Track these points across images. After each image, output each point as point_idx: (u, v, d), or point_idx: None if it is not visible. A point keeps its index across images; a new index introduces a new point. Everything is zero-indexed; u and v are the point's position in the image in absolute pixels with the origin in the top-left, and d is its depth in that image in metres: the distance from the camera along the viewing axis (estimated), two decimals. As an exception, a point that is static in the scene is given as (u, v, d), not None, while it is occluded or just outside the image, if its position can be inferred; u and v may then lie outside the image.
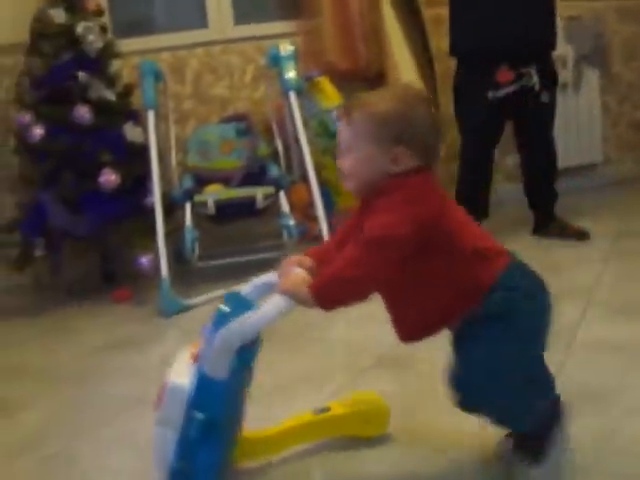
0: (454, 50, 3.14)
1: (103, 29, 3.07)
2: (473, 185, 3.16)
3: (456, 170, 3.24)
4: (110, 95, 2.99)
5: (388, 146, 1.25)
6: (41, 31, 3.02)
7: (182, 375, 1.28)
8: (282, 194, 2.98)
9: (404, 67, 3.52)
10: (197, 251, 2.84)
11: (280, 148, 3.21)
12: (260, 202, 2.94)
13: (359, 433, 1.58)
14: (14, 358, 2.46)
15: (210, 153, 3.26)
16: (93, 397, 2.06)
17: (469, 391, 1.27)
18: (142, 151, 3.01)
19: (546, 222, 3.20)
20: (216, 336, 1.25)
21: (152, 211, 2.95)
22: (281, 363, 2.10)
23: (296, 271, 1.29)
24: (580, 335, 2.06)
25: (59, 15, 2.98)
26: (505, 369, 1.25)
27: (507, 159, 3.79)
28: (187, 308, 2.73)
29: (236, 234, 3.41)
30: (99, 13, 3.11)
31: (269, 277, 1.44)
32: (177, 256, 2.93)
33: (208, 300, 2.78)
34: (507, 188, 3.76)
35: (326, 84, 3.31)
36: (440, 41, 3.40)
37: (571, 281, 2.54)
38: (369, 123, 1.26)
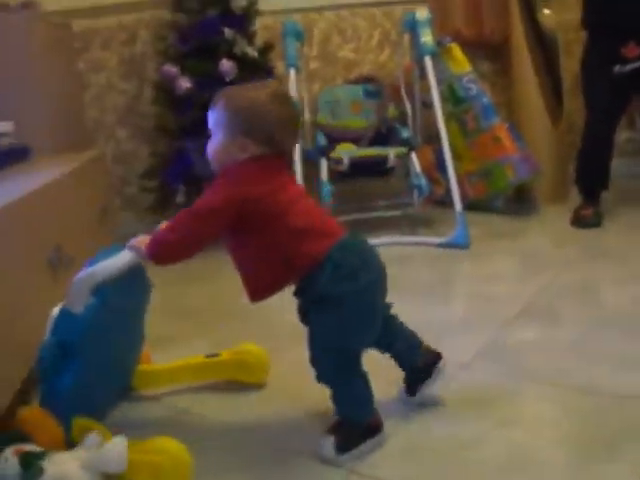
0: (585, 23, 3.15)
1: (246, -13, 3.18)
2: (595, 158, 3.18)
3: (572, 142, 3.28)
4: (252, 51, 3.10)
5: (236, 136, 1.43)
6: (187, -13, 3.15)
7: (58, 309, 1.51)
8: (413, 154, 3.06)
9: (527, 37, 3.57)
10: (331, 204, 2.94)
11: (409, 110, 3.28)
12: (392, 161, 3.02)
13: (240, 379, 1.79)
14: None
15: (340, 112, 3.37)
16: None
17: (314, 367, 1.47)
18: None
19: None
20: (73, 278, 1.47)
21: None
22: (432, 310, 2.22)
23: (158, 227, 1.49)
24: None
25: (206, -28, 3.10)
26: (326, 348, 1.43)
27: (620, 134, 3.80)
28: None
29: (359, 192, 3.52)
30: (242, -29, 3.22)
31: None
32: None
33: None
34: (619, 162, 3.77)
35: (457, 50, 3.37)
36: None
37: None
38: (225, 114, 1.45)
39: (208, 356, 1.83)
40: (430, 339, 1.88)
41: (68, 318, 1.46)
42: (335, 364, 1.45)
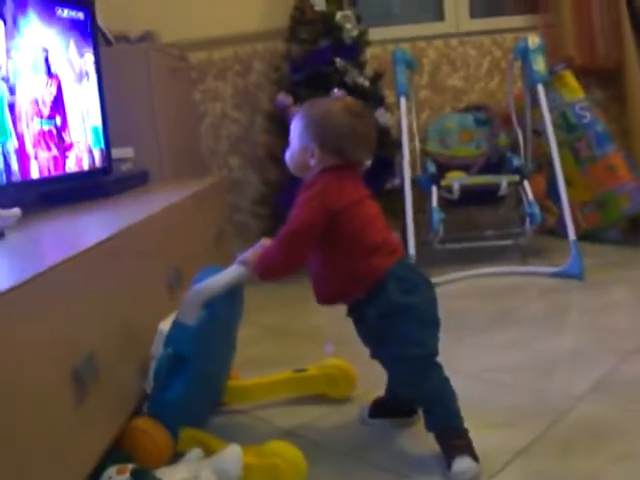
0: None
1: (358, 18, 3.24)
2: None
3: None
4: (363, 81, 3.15)
5: (308, 143, 1.52)
6: (301, 19, 3.24)
7: (166, 323, 1.58)
8: (526, 182, 3.02)
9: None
10: (441, 232, 2.93)
11: (520, 138, 3.25)
12: (504, 189, 2.99)
13: (328, 393, 1.84)
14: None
15: (449, 141, 3.37)
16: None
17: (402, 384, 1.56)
18: (388, 135, 3.17)
19: None
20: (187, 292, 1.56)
21: (392, 193, 3.11)
22: (547, 341, 2.18)
23: (261, 243, 1.57)
24: None
25: (319, 3, 3.18)
26: (409, 355, 1.48)
27: None
28: (432, 286, 2.85)
29: (469, 221, 3.50)
30: (354, 3, 3.29)
31: None
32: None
33: (451, 280, 2.90)
34: None
35: (569, 77, 3.32)
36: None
37: None
38: (301, 122, 1.55)
39: (296, 371, 1.89)
40: (544, 371, 1.86)
41: (181, 330, 1.53)
42: (419, 370, 1.49)
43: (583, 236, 3.21)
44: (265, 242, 1.62)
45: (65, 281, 1.33)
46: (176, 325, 1.54)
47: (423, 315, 1.50)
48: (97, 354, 1.38)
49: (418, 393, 1.51)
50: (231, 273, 1.55)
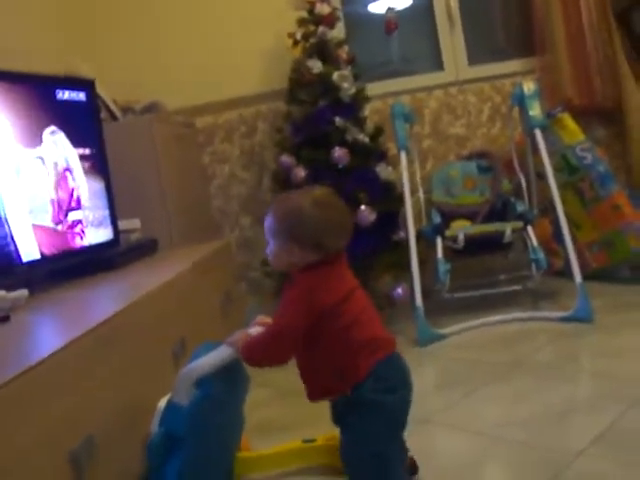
0: None
1: (355, 76, 3.30)
2: None
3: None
4: (363, 137, 3.20)
5: (285, 242, 1.51)
6: (299, 80, 3.32)
7: (164, 401, 1.63)
8: (530, 228, 3.03)
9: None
10: (448, 283, 2.95)
11: (523, 183, 3.27)
12: (508, 236, 3.01)
13: (335, 464, 1.74)
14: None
15: (454, 189, 3.41)
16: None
17: (346, 471, 1.55)
18: (392, 189, 3.22)
19: None
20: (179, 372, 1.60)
21: (398, 245, 3.14)
22: (555, 391, 2.18)
23: (250, 330, 1.60)
24: None
25: (316, 65, 3.25)
26: (361, 451, 1.49)
27: None
28: (441, 337, 2.86)
29: (478, 267, 3.51)
30: (351, 62, 3.35)
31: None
32: (423, 288, 3.05)
33: (460, 330, 2.91)
34: None
35: (568, 120, 3.34)
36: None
37: None
38: (273, 221, 1.55)
39: (305, 441, 1.91)
40: (551, 423, 1.86)
41: (174, 410, 1.56)
42: (370, 469, 1.50)
43: (593, 276, 3.21)
44: (261, 319, 1.67)
45: (66, 366, 1.38)
46: (170, 405, 1.58)
47: (391, 416, 1.50)
48: (96, 436, 1.42)
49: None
50: (220, 354, 1.58)
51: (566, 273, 3.13)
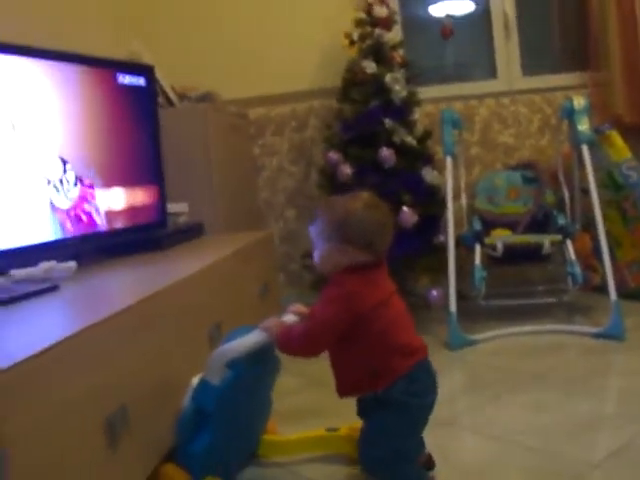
0: None
1: (407, 80, 3.35)
2: None
3: None
4: (411, 140, 3.25)
5: (338, 243, 1.58)
6: (352, 80, 3.37)
7: (197, 378, 1.70)
8: (569, 242, 3.05)
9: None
10: (484, 290, 2.99)
11: (566, 197, 3.29)
12: (547, 249, 3.03)
13: (353, 454, 1.81)
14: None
15: (497, 198, 3.44)
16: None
17: (361, 460, 1.67)
18: (436, 193, 3.26)
19: None
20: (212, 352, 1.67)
21: (439, 249, 3.18)
22: (577, 404, 2.20)
23: (284, 318, 1.71)
24: None
25: (370, 66, 3.31)
26: (379, 446, 1.59)
27: None
28: (472, 343, 2.90)
29: (516, 276, 3.54)
30: (404, 65, 3.40)
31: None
32: (460, 293, 3.10)
33: (491, 337, 2.95)
34: None
35: (616, 138, 3.34)
36: None
37: None
38: (326, 225, 1.62)
39: (328, 430, 1.99)
40: (569, 435, 1.89)
41: (206, 387, 1.65)
42: (386, 462, 1.58)
43: (631, 295, 3.21)
44: (296, 307, 1.75)
45: (107, 337, 1.46)
46: (202, 383, 1.66)
47: (414, 416, 1.60)
48: (131, 406, 1.50)
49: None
50: (253, 338, 1.66)
51: (604, 289, 3.14)
